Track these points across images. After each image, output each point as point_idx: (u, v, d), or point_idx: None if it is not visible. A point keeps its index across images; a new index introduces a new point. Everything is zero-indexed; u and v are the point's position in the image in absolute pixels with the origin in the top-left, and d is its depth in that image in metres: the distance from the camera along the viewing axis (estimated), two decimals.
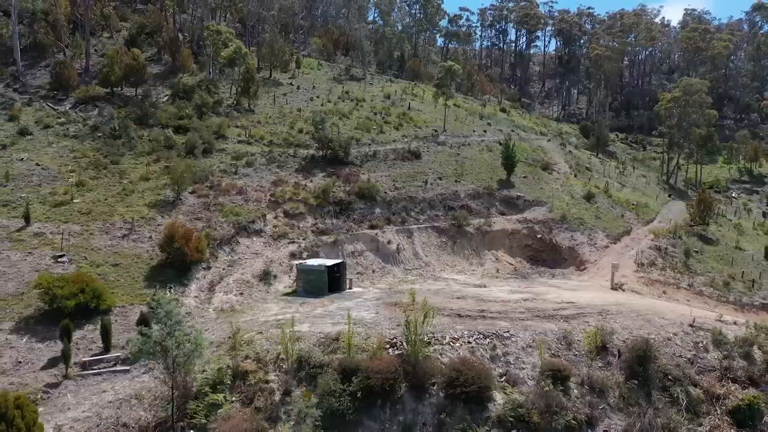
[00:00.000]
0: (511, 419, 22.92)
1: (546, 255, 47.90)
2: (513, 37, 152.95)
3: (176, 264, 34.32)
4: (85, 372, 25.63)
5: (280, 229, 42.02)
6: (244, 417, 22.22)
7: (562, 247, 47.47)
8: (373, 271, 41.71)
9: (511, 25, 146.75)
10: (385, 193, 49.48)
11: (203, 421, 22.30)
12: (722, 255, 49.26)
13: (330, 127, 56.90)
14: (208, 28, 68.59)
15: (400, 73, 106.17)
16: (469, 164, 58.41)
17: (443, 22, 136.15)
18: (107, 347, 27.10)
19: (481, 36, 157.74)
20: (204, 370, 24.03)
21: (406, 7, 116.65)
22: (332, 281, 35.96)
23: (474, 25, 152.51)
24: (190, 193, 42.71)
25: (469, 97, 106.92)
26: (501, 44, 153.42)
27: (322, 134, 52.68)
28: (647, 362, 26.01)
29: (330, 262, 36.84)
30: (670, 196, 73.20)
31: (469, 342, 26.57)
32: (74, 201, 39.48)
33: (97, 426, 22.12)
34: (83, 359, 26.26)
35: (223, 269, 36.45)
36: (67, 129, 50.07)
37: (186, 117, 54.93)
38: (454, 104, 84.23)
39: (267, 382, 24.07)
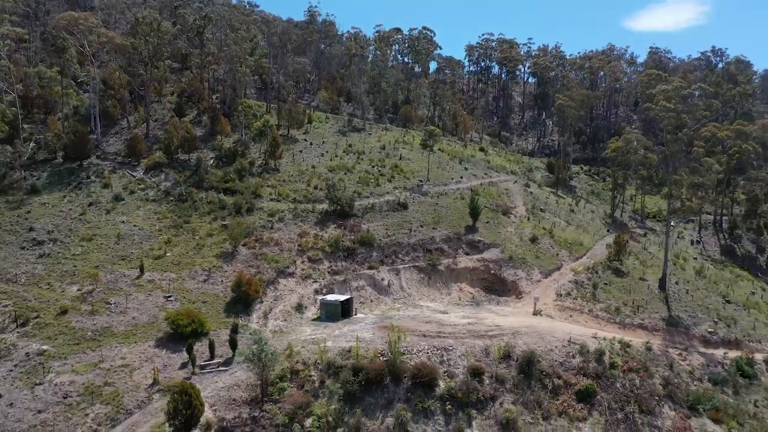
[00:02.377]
0: (447, 396, 41.09)
1: (496, 286, 66.06)
2: (496, 72, 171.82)
3: (242, 300, 52.44)
4: (202, 371, 43.71)
5: (306, 271, 60.19)
6: (299, 395, 40.33)
7: (508, 281, 65.67)
8: (371, 301, 59.83)
9: (494, 63, 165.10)
10: (380, 240, 67.61)
11: (277, 398, 40.36)
12: (626, 285, 67.38)
13: (338, 183, 75.26)
14: (243, 103, 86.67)
15: (395, 117, 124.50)
16: (445, 212, 76.54)
17: (433, 64, 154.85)
18: (212, 356, 45.15)
19: (468, 72, 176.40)
20: (274, 370, 42.10)
21: (399, 57, 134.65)
22: (344, 311, 54.09)
23: (462, 64, 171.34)
24: (242, 245, 60.83)
25: (453, 137, 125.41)
26: (485, 79, 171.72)
27: (332, 194, 70.76)
28: (532, 364, 44.19)
29: (342, 298, 54.98)
30: (608, 230, 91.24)
31: (427, 353, 44.78)
32: (167, 255, 57.65)
33: (219, 399, 40.19)
34: (200, 363, 44.34)
35: (271, 303, 54.59)
36: (147, 194, 68.24)
37: (230, 180, 73.05)
38: (439, 149, 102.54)
39: (310, 376, 42.20)
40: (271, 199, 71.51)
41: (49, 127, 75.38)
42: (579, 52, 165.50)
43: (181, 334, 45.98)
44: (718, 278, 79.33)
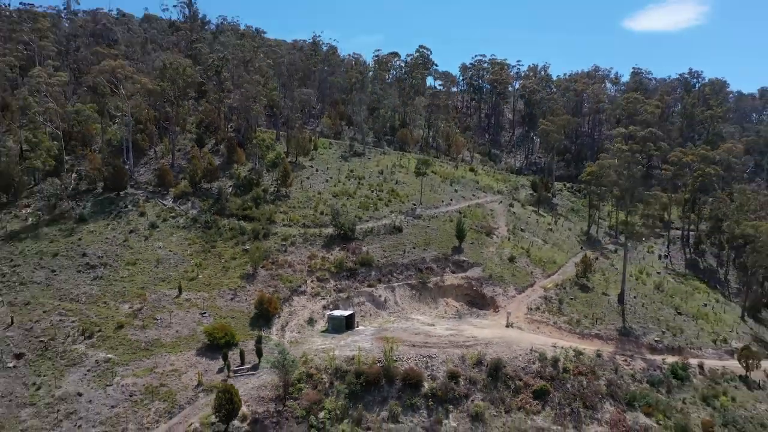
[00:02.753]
0: (430, 394, 52.14)
1: (477, 301, 77.09)
2: (488, 86, 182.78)
3: (264, 315, 63.44)
4: (235, 375, 54.74)
5: (315, 289, 71.22)
6: (313, 394, 51.33)
7: (487, 297, 76.72)
8: (370, 315, 70.86)
9: (486, 84, 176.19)
10: (378, 260, 78.61)
11: (296, 396, 51.34)
12: (590, 300, 78.43)
13: (341, 209, 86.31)
14: (257, 137, 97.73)
15: (393, 139, 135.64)
16: (435, 234, 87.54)
17: (430, 79, 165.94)
18: (242, 362, 56.15)
19: (461, 90, 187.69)
20: (293, 374, 53.08)
21: (396, 83, 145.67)
22: (347, 324, 65.08)
23: (457, 79, 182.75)
24: (261, 267, 71.84)
25: (447, 157, 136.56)
26: (478, 98, 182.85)
27: (337, 221, 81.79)
28: (499, 369, 55.23)
29: (346, 313, 65.98)
30: (581, 248, 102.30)
31: (415, 360, 55.81)
32: (199, 276, 68.73)
33: (251, 397, 51.18)
34: (233, 368, 55.36)
35: (287, 317, 65.64)
36: (177, 221, 79.35)
37: (248, 207, 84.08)
38: (432, 171, 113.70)
39: (322, 378, 53.20)
40: (284, 225, 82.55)
41: (90, 161, 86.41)
42: (565, 74, 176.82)
43: (217, 345, 57.03)
44: (675, 291, 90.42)
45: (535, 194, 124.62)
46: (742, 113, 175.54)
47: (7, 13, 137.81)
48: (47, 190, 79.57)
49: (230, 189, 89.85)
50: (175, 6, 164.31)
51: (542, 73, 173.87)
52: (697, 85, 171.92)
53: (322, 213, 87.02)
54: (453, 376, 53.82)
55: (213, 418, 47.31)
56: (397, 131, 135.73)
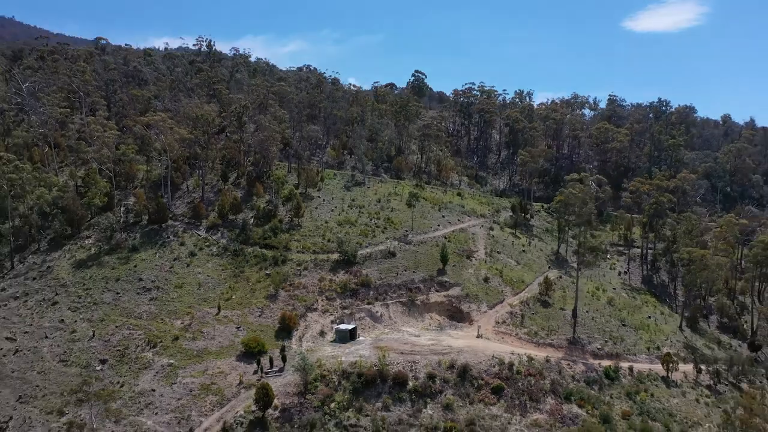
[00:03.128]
0: (413, 390, 69.71)
1: (456, 316, 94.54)
2: (477, 119, 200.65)
3: (285, 329, 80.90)
4: (266, 375, 72.26)
5: (325, 307, 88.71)
6: (326, 390, 68.87)
7: (464, 312, 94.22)
8: (369, 327, 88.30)
9: (475, 111, 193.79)
10: (375, 282, 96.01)
11: (313, 391, 68.85)
12: (548, 314, 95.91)
13: (344, 236, 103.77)
14: (273, 175, 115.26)
15: (390, 166, 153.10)
16: (423, 258, 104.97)
17: (429, 95, 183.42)
18: (271, 366, 73.65)
19: (452, 114, 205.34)
20: (311, 375, 70.57)
21: (392, 116, 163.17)
22: (351, 335, 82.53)
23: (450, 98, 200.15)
24: (281, 289, 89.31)
25: (437, 182, 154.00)
26: (468, 123, 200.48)
27: (342, 248, 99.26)
28: (466, 371, 72.78)
29: (350, 327, 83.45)
30: (549, 267, 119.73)
31: (403, 364, 73.35)
32: (232, 297, 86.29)
33: (280, 392, 68.64)
34: (265, 371, 72.86)
35: (303, 330, 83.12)
36: (211, 250, 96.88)
37: (268, 237, 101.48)
38: (423, 197, 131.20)
39: (332, 378, 70.70)
40: (298, 251, 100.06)
41: (136, 197, 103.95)
42: (548, 99, 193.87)
43: (251, 352, 74.51)
44: (625, 306, 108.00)
45: (514, 216, 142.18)
46: (706, 139, 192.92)
47: (47, 50, 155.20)
48: (103, 223, 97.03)
49: (252, 220, 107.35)
50: (194, 45, 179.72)
51: (527, 99, 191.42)
52: (671, 108, 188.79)
53: (329, 240, 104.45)
54: (431, 377, 71.34)
55: (253, 408, 64.80)
56: (393, 159, 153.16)
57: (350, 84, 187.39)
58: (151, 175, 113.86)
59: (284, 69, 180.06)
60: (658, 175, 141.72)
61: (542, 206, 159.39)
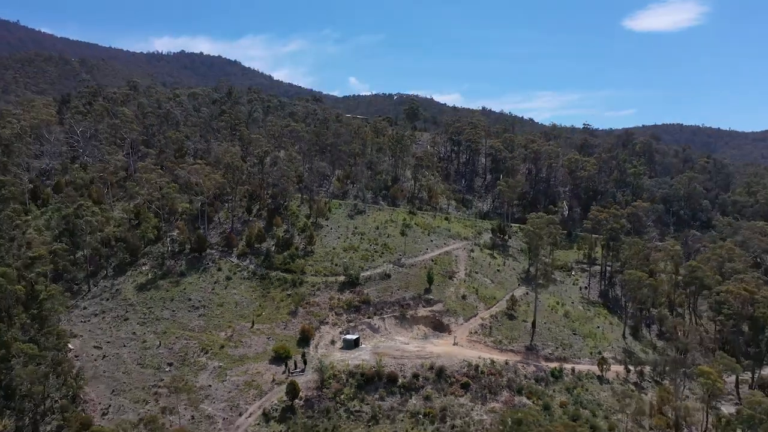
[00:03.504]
0: (402, 386, 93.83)
1: (438, 327, 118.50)
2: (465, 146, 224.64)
3: (305, 339, 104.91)
4: (292, 375, 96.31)
5: (334, 321, 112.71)
6: (337, 385, 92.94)
7: (444, 324, 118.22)
8: (369, 337, 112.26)
9: (463, 140, 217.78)
10: (374, 300, 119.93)
11: (327, 386, 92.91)
12: (512, 326, 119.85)
13: (349, 261, 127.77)
14: (290, 208, 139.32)
15: (387, 194, 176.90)
16: (412, 279, 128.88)
17: (424, 118, 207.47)
18: (295, 367, 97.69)
19: (444, 140, 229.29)
20: (326, 374, 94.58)
21: (389, 149, 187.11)
22: (355, 344, 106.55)
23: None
24: (300, 306, 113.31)
25: (428, 208, 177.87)
26: (457, 149, 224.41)
27: (347, 272, 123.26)
28: (442, 371, 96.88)
29: (354, 336, 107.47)
30: (519, 285, 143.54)
31: (394, 366, 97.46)
32: (262, 314, 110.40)
33: (303, 387, 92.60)
34: (291, 371, 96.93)
35: (318, 339, 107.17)
36: (242, 274, 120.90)
37: (287, 262, 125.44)
38: (415, 223, 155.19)
39: (341, 377, 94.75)
40: (312, 275, 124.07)
41: (179, 229, 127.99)
42: (525, 131, 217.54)
43: (280, 357, 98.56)
44: (578, 317, 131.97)
45: (493, 238, 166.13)
46: (665, 167, 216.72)
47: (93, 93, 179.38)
48: (156, 252, 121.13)
49: (273, 248, 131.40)
50: (216, 89, 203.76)
51: (510, 131, 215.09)
52: (636, 139, 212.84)
53: (336, 265, 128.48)
54: (415, 376, 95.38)
55: (284, 398, 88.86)
56: (390, 188, 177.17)
57: (353, 116, 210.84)
58: (190, 209, 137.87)
59: (291, 98, 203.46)
60: (612, 206, 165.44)
61: (519, 227, 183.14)
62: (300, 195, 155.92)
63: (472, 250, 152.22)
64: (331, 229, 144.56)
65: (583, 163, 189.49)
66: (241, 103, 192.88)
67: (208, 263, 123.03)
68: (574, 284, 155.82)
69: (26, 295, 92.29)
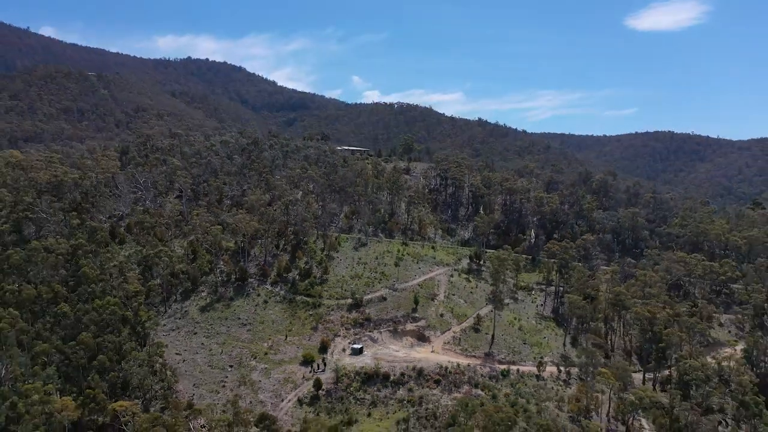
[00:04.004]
0: (392, 382, 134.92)
1: (421, 338, 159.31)
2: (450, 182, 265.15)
3: (323, 348, 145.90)
4: (316, 374, 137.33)
5: (344, 334, 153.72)
6: (348, 381, 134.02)
7: (426, 336, 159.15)
8: (370, 346, 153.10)
9: (449, 177, 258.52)
10: (374, 317, 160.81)
11: (341, 382, 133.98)
12: (477, 337, 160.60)
13: (355, 287, 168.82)
14: (309, 243, 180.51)
15: (385, 227, 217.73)
16: (403, 301, 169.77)
17: (419, 150, 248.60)
18: (318, 367, 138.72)
19: (435, 175, 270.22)
20: (339, 373, 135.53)
21: (386, 188, 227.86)
22: (360, 351, 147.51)
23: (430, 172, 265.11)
24: (319, 323, 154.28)
25: (418, 238, 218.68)
26: (445, 183, 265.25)
27: (353, 296, 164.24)
28: (422, 371, 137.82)
29: (359, 346, 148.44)
30: (486, 304, 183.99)
31: (388, 368, 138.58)
32: (292, 329, 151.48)
33: (324, 382, 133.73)
34: (315, 371, 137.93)
35: (333, 348, 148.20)
36: (276, 298, 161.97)
37: (308, 289, 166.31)
38: (407, 253, 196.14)
39: (350, 375, 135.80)
40: (327, 298, 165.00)
41: (225, 263, 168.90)
42: (504, 168, 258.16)
43: (307, 361, 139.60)
44: (530, 330, 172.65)
45: (470, 263, 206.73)
46: (617, 201, 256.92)
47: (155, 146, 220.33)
48: (210, 281, 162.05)
49: (297, 276, 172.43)
50: (242, 134, 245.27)
51: (488, 170, 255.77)
52: (594, 177, 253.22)
53: (345, 290, 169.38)
54: (402, 374, 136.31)
55: (312, 389, 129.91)
56: (387, 222, 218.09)
57: (357, 155, 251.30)
58: (233, 247, 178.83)
59: (304, 138, 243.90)
60: (569, 235, 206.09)
61: (493, 253, 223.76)
62: (316, 231, 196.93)
63: (452, 275, 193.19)
64: (341, 260, 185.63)
65: (547, 198, 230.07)
66: (264, 149, 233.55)
67: (249, 290, 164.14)
68: (532, 302, 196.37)
69: (132, 317, 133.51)
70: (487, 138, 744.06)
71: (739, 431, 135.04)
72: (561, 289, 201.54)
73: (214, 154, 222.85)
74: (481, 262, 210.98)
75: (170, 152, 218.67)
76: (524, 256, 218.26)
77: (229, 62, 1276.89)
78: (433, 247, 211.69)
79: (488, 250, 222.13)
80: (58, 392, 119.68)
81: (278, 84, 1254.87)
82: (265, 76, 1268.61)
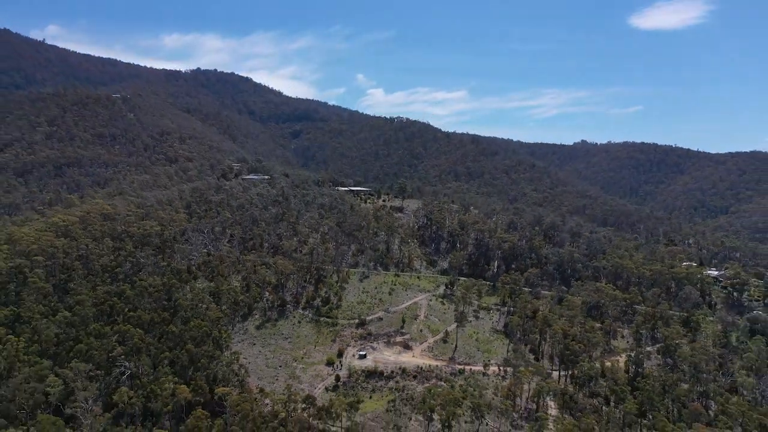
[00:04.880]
0: (386, 376, 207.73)
1: (406, 347, 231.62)
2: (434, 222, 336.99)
3: (340, 354, 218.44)
4: (336, 371, 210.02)
5: (353, 345, 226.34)
6: (357, 375, 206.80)
7: (409, 345, 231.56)
8: (371, 353, 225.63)
9: (433, 219, 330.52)
10: (374, 333, 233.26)
11: (353, 377, 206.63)
12: (445, 346, 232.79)
13: (360, 311, 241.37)
14: (327, 277, 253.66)
15: (383, 261, 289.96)
16: (394, 320, 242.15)
17: (412, 188, 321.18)
18: (337, 366, 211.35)
19: (423, 214, 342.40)
20: (351, 371, 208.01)
21: (384, 229, 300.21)
22: (364, 357, 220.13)
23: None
24: (337, 337, 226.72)
25: (408, 269, 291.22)
26: (429, 223, 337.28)
27: (359, 318, 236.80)
28: (405, 369, 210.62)
29: (363, 353, 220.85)
30: (454, 321, 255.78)
31: (383, 367, 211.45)
32: (318, 341, 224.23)
33: (342, 377, 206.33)
34: (335, 369, 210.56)
35: (346, 353, 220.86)
36: (306, 320, 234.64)
37: (328, 312, 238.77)
38: (398, 283, 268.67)
39: (359, 372, 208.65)
40: (341, 319, 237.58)
41: (269, 293, 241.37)
42: (478, 211, 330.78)
43: (330, 363, 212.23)
44: (484, 340, 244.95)
45: (445, 290, 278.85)
46: (562, 239, 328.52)
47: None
48: (260, 307, 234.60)
49: (320, 304, 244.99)
50: (271, 184, 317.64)
51: (463, 212, 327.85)
52: (545, 219, 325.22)
53: (353, 313, 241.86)
54: (392, 372, 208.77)
55: (334, 382, 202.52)
56: (384, 257, 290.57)
57: (362, 194, 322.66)
58: (274, 282, 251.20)
59: (320, 188, 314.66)
60: (520, 268, 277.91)
61: (463, 281, 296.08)
62: (332, 267, 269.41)
63: (431, 300, 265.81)
64: (350, 290, 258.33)
65: (507, 237, 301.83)
66: (290, 199, 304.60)
67: (287, 313, 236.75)
68: (490, 319, 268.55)
69: (217, 334, 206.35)
70: (478, 157, 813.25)
71: (615, 409, 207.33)
72: (512, 309, 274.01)
73: (254, 207, 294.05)
74: (454, 289, 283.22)
75: (220, 205, 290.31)
76: (488, 283, 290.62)
77: (236, 73, 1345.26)
78: (418, 277, 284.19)
79: (461, 278, 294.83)
80: (172, 383, 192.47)
81: (284, 94, 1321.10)
82: (269, 86, 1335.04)
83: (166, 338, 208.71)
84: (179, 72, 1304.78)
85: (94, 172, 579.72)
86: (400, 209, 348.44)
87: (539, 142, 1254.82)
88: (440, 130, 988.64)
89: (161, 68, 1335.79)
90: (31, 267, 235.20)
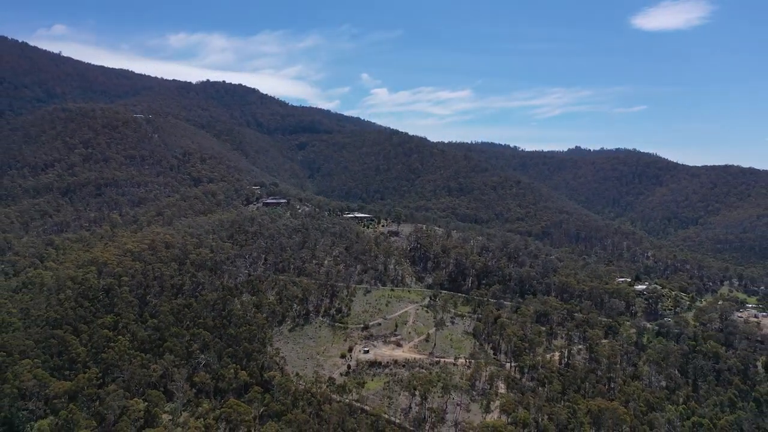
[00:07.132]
0: (383, 366, 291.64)
1: (399, 345, 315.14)
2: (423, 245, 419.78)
3: (351, 349, 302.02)
4: (347, 362, 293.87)
5: (360, 344, 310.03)
6: (363, 365, 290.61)
7: (401, 344, 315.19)
8: (372, 349, 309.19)
9: (422, 242, 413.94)
10: (374, 334, 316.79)
11: (360, 365, 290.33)
12: (427, 344, 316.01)
13: (364, 319, 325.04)
14: (339, 292, 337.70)
15: (382, 278, 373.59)
16: (389, 325, 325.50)
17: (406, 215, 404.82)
18: (348, 359, 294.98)
19: (413, 240, 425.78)
20: (359, 362, 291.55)
21: (382, 253, 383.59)
22: (367, 352, 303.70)
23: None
24: (348, 338, 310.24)
25: (401, 284, 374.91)
26: (419, 246, 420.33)
27: (364, 323, 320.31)
28: (396, 362, 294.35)
29: (367, 349, 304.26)
30: (435, 326, 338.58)
31: (381, 359, 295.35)
32: (334, 341, 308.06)
33: (351, 366, 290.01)
34: (347, 362, 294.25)
35: (354, 350, 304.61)
36: (325, 324, 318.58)
37: (341, 319, 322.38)
38: (393, 296, 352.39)
39: (364, 363, 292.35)
40: (350, 325, 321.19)
41: (298, 305, 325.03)
42: (459, 235, 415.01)
43: (343, 356, 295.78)
44: (457, 340, 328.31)
45: (430, 301, 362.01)
46: (522, 260, 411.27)
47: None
48: (290, 315, 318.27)
49: (335, 312, 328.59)
50: (292, 214, 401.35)
51: (446, 237, 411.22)
52: (514, 240, 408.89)
53: (359, 320, 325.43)
54: (387, 363, 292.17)
55: (346, 369, 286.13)
56: (383, 275, 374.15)
57: (366, 220, 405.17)
58: (300, 296, 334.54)
59: (331, 214, 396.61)
60: (479, 291, 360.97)
61: (447, 293, 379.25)
62: (343, 284, 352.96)
63: (418, 309, 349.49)
64: (357, 302, 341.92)
65: (479, 260, 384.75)
66: (309, 230, 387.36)
67: (311, 320, 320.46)
68: (462, 324, 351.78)
69: (262, 336, 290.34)
70: (470, 173, 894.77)
71: (544, 389, 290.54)
72: (480, 316, 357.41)
73: (282, 236, 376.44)
74: (437, 300, 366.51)
75: (255, 235, 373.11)
76: (463, 295, 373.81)
77: (244, 84, 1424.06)
78: (409, 291, 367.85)
79: (443, 291, 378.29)
80: (234, 369, 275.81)
81: (289, 105, 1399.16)
82: (274, 96, 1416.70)
83: (226, 338, 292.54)
84: (190, 84, 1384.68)
85: (129, 191, 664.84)
86: (396, 233, 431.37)
87: (535, 150, 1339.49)
88: (436, 146, 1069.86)
89: (171, 79, 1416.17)
90: (119, 285, 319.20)
